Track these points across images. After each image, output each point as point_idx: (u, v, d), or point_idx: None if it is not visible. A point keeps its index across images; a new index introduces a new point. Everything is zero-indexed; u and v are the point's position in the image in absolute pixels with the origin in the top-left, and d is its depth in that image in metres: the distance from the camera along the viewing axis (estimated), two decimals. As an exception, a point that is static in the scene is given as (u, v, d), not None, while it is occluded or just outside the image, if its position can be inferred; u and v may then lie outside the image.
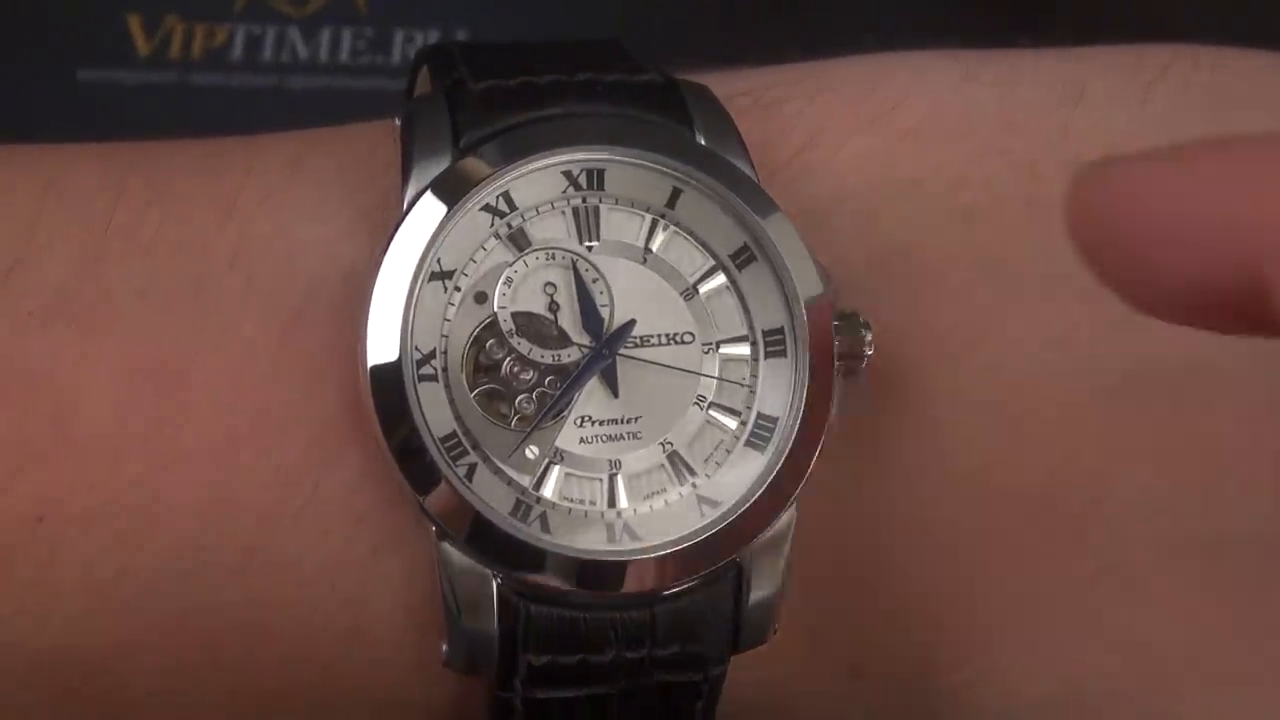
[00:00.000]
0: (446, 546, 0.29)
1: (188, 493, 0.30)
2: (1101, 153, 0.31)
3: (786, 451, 0.30)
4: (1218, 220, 0.27)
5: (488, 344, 0.30)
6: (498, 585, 0.29)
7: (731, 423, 0.30)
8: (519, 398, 0.30)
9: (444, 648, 0.30)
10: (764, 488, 0.30)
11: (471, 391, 0.30)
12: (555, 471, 0.30)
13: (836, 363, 0.30)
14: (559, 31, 0.53)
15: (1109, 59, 0.33)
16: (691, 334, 0.30)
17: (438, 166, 0.30)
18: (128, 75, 0.52)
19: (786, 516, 0.30)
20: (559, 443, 0.30)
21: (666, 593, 0.30)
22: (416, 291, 0.30)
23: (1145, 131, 0.32)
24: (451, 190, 0.30)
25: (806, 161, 0.32)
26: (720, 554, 0.30)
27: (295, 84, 0.53)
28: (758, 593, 0.30)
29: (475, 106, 0.31)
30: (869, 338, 0.30)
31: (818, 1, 0.52)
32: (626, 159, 0.31)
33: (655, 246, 0.31)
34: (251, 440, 0.30)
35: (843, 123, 0.32)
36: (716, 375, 0.30)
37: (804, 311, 0.30)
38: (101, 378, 0.30)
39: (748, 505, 0.30)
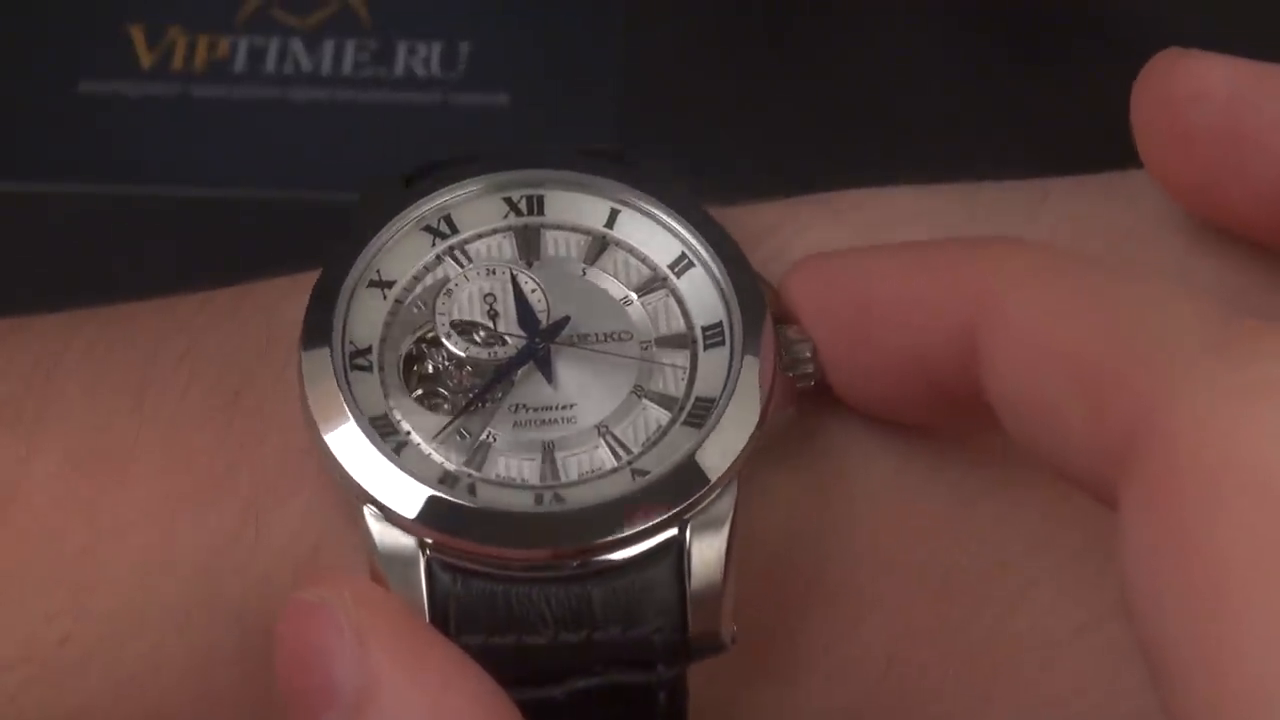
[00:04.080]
0: (371, 521, 0.29)
1: (128, 557, 0.30)
2: (1011, 230, 0.32)
3: (719, 423, 0.30)
4: (924, 296, 0.28)
5: (427, 350, 0.30)
6: (425, 561, 0.29)
7: (669, 407, 0.30)
8: (456, 395, 0.30)
9: None
10: (696, 453, 0.29)
11: (409, 391, 0.30)
12: (487, 452, 0.30)
13: (778, 354, 0.30)
14: (558, 47, 0.54)
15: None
16: (630, 333, 0.31)
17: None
18: (130, 87, 0.53)
19: (728, 499, 0.29)
20: (491, 426, 0.30)
21: (601, 560, 0.29)
22: (351, 294, 0.30)
23: (1043, 215, 0.33)
24: (388, 211, 0.31)
25: (767, 249, 0.32)
26: (650, 515, 0.29)
27: (298, 96, 0.53)
28: (701, 579, 0.29)
29: (429, 168, 0.32)
30: (808, 348, 0.31)
31: (821, 47, 0.52)
32: (565, 185, 0.32)
33: (595, 262, 0.31)
34: (191, 500, 0.30)
35: (803, 215, 0.33)
36: (654, 361, 0.31)
37: (741, 306, 0.31)
38: (41, 469, 0.30)
39: (679, 470, 0.29)
